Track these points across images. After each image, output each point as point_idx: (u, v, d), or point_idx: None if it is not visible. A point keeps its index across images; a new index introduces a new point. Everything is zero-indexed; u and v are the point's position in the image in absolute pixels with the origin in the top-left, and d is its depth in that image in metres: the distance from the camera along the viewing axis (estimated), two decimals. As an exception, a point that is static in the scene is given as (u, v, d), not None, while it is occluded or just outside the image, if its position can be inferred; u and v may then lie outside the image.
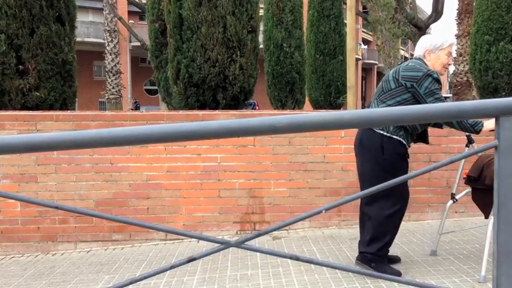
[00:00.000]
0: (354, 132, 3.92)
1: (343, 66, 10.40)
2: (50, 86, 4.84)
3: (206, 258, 3.53)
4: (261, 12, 8.07)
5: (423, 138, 3.02)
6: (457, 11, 11.51)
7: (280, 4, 10.22)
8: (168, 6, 5.29)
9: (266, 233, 0.84)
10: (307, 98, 11.79)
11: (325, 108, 11.75)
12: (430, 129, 3.14)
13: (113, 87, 20.03)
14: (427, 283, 0.88)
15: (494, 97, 5.78)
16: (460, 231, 3.94)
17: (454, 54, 11.61)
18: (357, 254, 3.06)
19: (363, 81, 35.51)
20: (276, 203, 4.19)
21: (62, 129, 4.04)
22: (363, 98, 34.40)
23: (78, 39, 6.05)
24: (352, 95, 7.03)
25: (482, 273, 2.78)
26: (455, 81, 11.92)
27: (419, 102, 2.77)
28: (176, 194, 4.13)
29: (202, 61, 5.03)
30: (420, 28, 16.11)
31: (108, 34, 19.97)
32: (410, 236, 3.85)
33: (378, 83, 35.39)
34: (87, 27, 25.54)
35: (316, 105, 12.48)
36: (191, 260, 0.82)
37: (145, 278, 0.82)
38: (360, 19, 26.84)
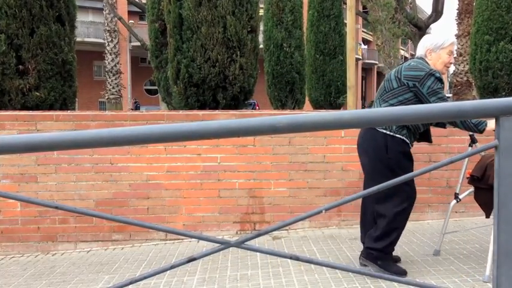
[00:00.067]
0: (354, 132, 3.93)
1: (343, 66, 10.41)
2: (50, 86, 4.84)
3: (206, 258, 3.53)
4: (261, 12, 8.07)
5: (426, 137, 3.03)
6: (457, 11, 11.52)
7: (280, 4, 10.22)
8: (168, 6, 5.29)
9: (266, 233, 0.84)
10: (307, 98, 11.79)
11: (325, 108, 11.75)
12: (430, 129, 3.14)
13: (113, 87, 20.03)
14: (427, 283, 0.88)
15: (494, 97, 5.78)
16: (460, 231, 3.93)
17: (455, 54, 11.60)
18: (357, 253, 3.06)
19: (363, 81, 35.53)
20: (276, 203, 4.19)
21: (62, 129, 4.05)
22: (363, 98, 34.41)
23: (78, 39, 6.05)
24: (352, 95, 7.03)
25: (487, 273, 2.78)
26: (455, 81, 11.92)
27: (421, 102, 2.77)
28: (176, 194, 4.14)
29: (202, 61, 5.03)
30: (420, 28, 16.12)
31: (108, 34, 19.98)
32: (410, 236, 3.85)
33: (378, 83, 35.47)
34: (87, 27, 25.55)
35: (316, 105, 12.48)
36: (191, 260, 0.82)
37: (145, 278, 0.82)
38: (360, 19, 26.84)
